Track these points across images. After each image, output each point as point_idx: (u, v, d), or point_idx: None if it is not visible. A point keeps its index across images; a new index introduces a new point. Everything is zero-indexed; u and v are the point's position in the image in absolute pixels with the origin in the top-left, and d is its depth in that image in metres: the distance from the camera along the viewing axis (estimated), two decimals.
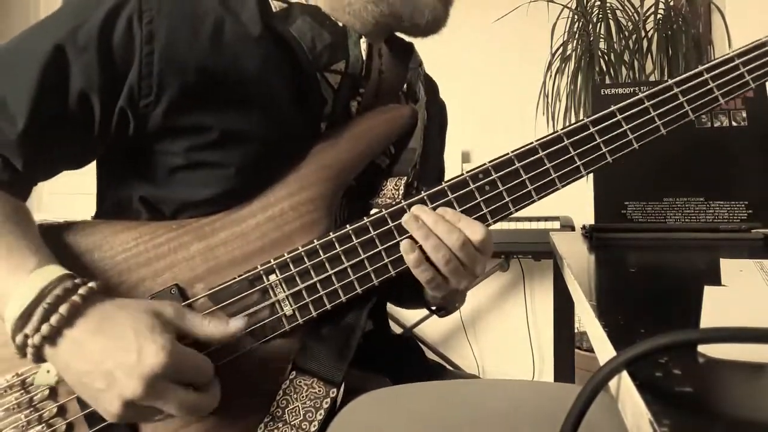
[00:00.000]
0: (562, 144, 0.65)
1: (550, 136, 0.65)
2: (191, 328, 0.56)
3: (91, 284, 0.55)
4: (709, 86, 0.68)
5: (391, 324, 0.89)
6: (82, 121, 0.61)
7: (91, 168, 0.70)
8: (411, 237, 0.62)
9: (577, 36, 2.07)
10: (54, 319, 0.52)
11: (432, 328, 2.46)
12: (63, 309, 0.53)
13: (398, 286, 0.71)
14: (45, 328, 0.52)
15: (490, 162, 0.65)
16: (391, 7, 0.68)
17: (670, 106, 0.67)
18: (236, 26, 0.63)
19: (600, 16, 2.05)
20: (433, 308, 0.77)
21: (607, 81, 1.99)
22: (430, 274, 0.61)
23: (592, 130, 0.65)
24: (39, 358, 0.54)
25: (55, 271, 0.55)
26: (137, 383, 0.51)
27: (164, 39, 0.60)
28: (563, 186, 0.65)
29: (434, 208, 0.63)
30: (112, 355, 0.52)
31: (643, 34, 2.03)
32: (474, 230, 0.61)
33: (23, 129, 0.59)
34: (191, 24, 0.61)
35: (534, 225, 1.94)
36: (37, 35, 0.61)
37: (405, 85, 0.78)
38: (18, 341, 0.53)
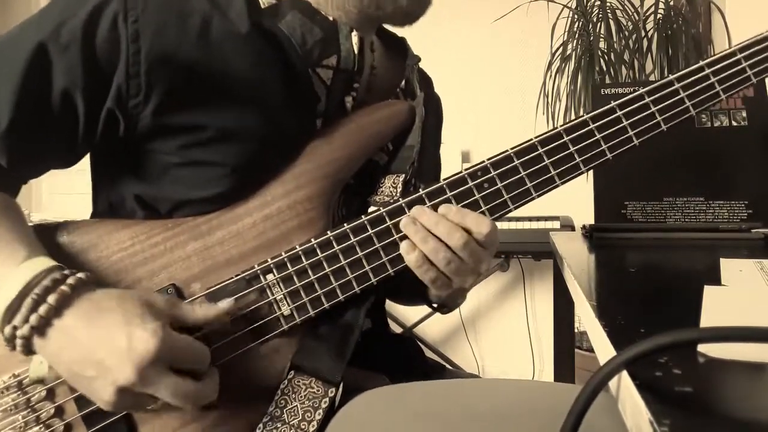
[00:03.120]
0: (562, 141, 0.64)
1: (549, 133, 0.65)
2: (183, 315, 0.56)
3: (80, 274, 0.55)
4: (710, 81, 0.67)
5: (391, 324, 0.89)
6: (66, 120, 0.61)
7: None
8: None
9: (577, 36, 2.07)
10: (42, 310, 0.52)
11: (432, 327, 2.46)
12: (51, 299, 0.53)
13: (398, 283, 0.71)
14: (33, 318, 0.52)
15: (488, 159, 0.64)
16: None
17: (671, 101, 0.66)
18: (224, 23, 0.63)
19: (600, 15, 2.05)
20: (435, 306, 0.77)
21: (607, 81, 1.99)
22: (433, 274, 0.61)
23: (591, 126, 0.65)
24: (28, 349, 0.54)
25: (45, 262, 0.55)
26: (130, 370, 0.51)
27: (151, 37, 0.59)
28: (563, 183, 0.65)
29: (434, 206, 0.62)
30: (103, 343, 0.52)
31: (643, 33, 2.03)
32: (480, 224, 0.60)
33: (6, 127, 0.59)
34: (178, 22, 0.61)
35: (534, 225, 1.94)
36: (23, 33, 0.61)
37: (403, 82, 0.77)
38: (6, 333, 0.53)
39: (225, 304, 0.59)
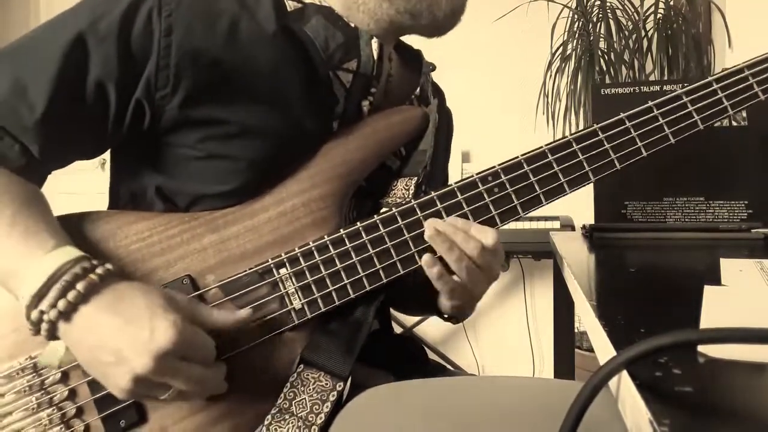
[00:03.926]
0: (571, 149, 0.66)
1: (559, 141, 0.66)
2: (202, 318, 0.58)
3: (107, 265, 0.57)
4: (718, 96, 0.69)
5: (392, 324, 0.89)
6: (98, 111, 0.62)
7: (92, 168, 0.71)
8: (429, 249, 0.63)
9: (577, 36, 2.06)
10: (71, 296, 0.54)
11: (432, 328, 2.46)
12: (80, 286, 0.54)
13: (406, 294, 0.72)
14: (62, 303, 0.54)
15: (499, 165, 0.66)
16: (407, 3, 0.69)
17: (679, 114, 0.68)
18: (252, 24, 0.65)
19: (600, 15, 2.05)
20: (446, 316, 0.78)
21: (607, 81, 1.99)
22: (451, 285, 0.63)
23: (601, 136, 0.66)
24: (53, 334, 0.55)
25: (73, 252, 0.57)
26: (148, 359, 0.52)
27: (182, 33, 0.62)
28: (572, 191, 0.66)
29: (444, 209, 0.64)
30: (125, 332, 0.53)
31: (643, 33, 2.03)
32: (486, 235, 0.62)
33: (41, 116, 0.60)
34: (208, 20, 0.63)
35: (534, 225, 1.93)
36: (60, 25, 0.63)
37: (418, 90, 0.79)
38: (33, 317, 0.54)
39: (244, 313, 0.60)
